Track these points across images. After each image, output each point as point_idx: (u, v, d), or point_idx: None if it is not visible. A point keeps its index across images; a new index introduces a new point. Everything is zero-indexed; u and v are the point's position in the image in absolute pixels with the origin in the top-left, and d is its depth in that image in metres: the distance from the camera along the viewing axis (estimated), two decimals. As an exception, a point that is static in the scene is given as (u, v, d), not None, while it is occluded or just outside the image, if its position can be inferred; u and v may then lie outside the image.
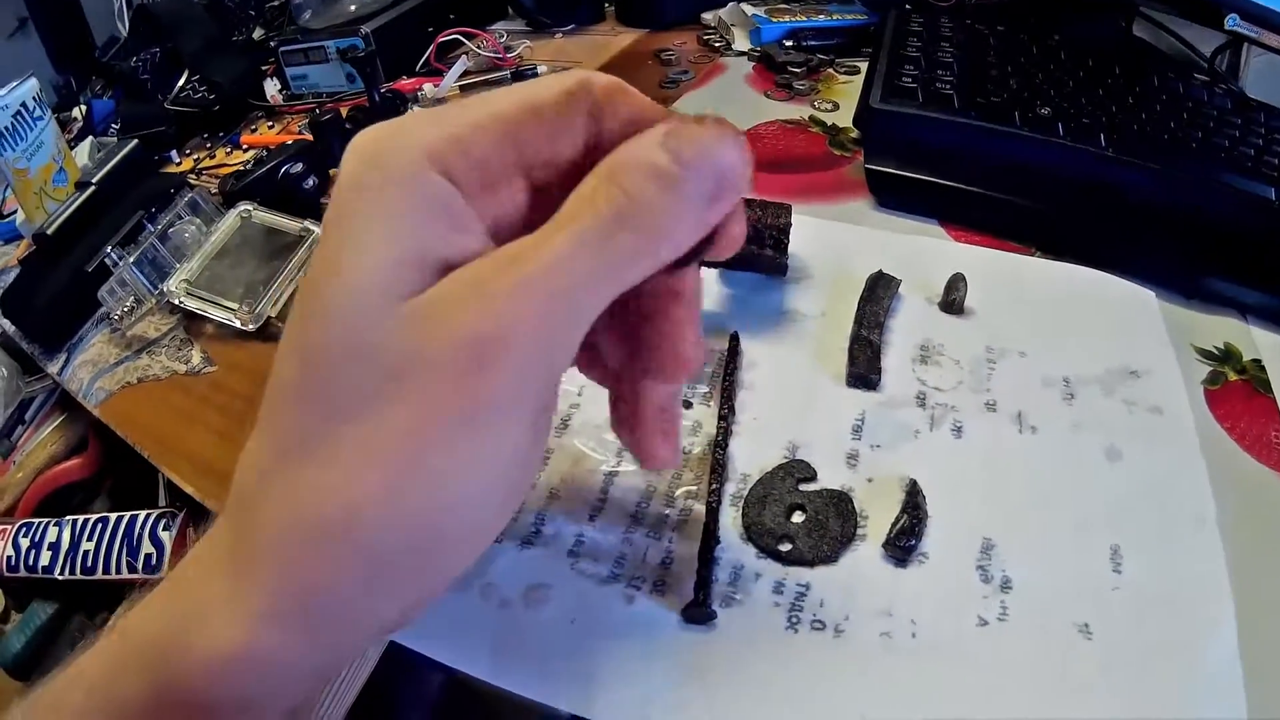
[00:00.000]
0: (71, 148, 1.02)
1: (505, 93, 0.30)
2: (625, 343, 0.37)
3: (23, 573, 0.75)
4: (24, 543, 0.75)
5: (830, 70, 0.95)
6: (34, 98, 0.84)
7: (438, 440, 0.26)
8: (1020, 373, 0.57)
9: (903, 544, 0.46)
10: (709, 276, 0.62)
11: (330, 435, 0.27)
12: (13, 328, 0.81)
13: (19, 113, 0.82)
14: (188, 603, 0.29)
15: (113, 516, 0.68)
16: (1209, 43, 0.95)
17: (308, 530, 0.27)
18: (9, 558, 0.75)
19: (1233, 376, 0.58)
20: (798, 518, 0.48)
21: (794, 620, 0.43)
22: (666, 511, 0.48)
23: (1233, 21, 0.86)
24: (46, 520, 0.76)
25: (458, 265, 0.28)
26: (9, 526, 0.77)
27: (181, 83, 1.01)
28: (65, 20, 1.38)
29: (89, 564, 0.67)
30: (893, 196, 0.73)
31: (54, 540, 0.74)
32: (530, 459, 0.31)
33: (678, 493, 0.49)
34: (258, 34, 1.12)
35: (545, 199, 0.31)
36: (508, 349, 0.26)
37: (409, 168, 0.28)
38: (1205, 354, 0.60)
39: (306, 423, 0.27)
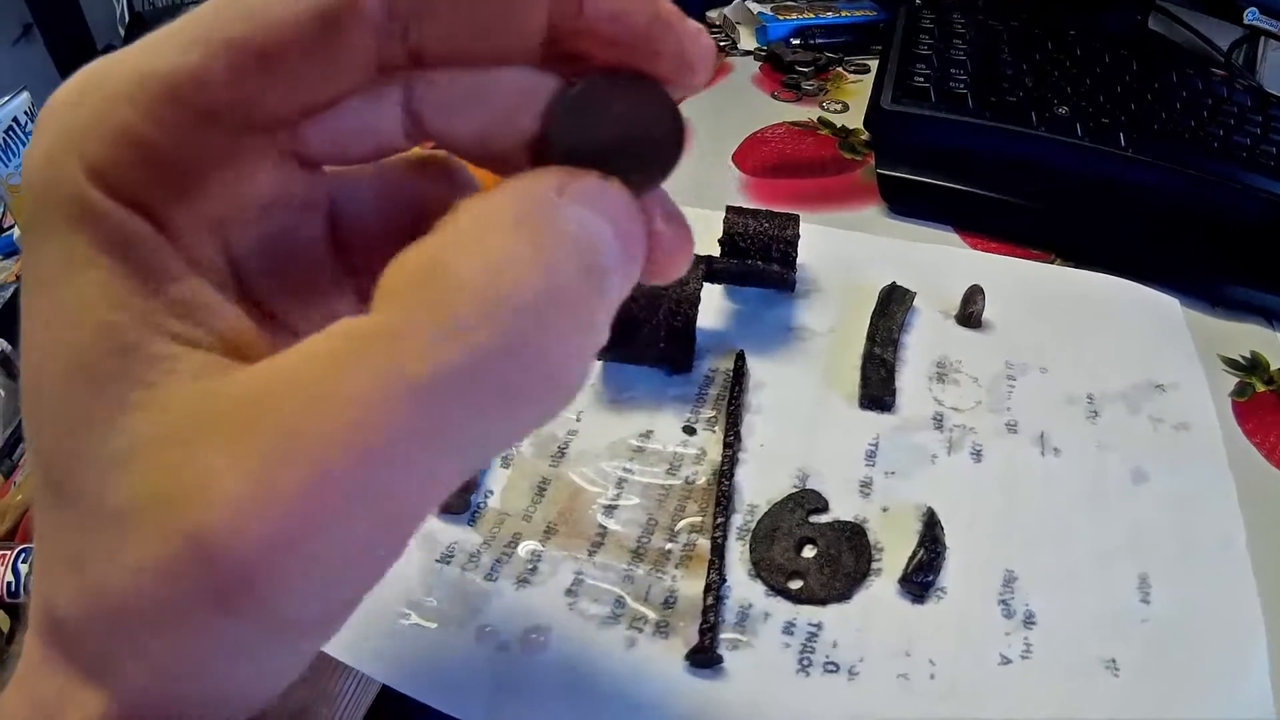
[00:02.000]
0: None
1: (191, 25, 0.19)
2: None
3: (23, 599, 0.73)
4: (24, 569, 0.74)
5: (839, 69, 0.93)
6: (25, 112, 0.83)
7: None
8: (1042, 390, 0.55)
9: (920, 579, 0.44)
10: (712, 293, 0.60)
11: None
12: (10, 347, 0.80)
13: (10, 128, 0.81)
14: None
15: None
16: (1225, 37, 0.93)
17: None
18: (9, 584, 0.74)
19: (1261, 387, 0.57)
20: (809, 552, 0.45)
21: (805, 663, 0.41)
22: (669, 546, 0.46)
23: (1252, 15, 0.85)
24: (44, 546, 0.75)
25: (161, 360, 0.19)
26: (9, 552, 0.76)
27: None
28: (68, 28, 1.38)
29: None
30: (906, 202, 0.71)
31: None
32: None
33: (680, 525, 0.47)
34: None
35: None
36: (238, 565, 0.17)
37: (66, 190, 0.19)
38: (1232, 364, 0.58)
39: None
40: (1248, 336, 0.60)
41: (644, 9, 0.22)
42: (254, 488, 0.17)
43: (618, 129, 0.22)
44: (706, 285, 0.54)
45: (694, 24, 0.22)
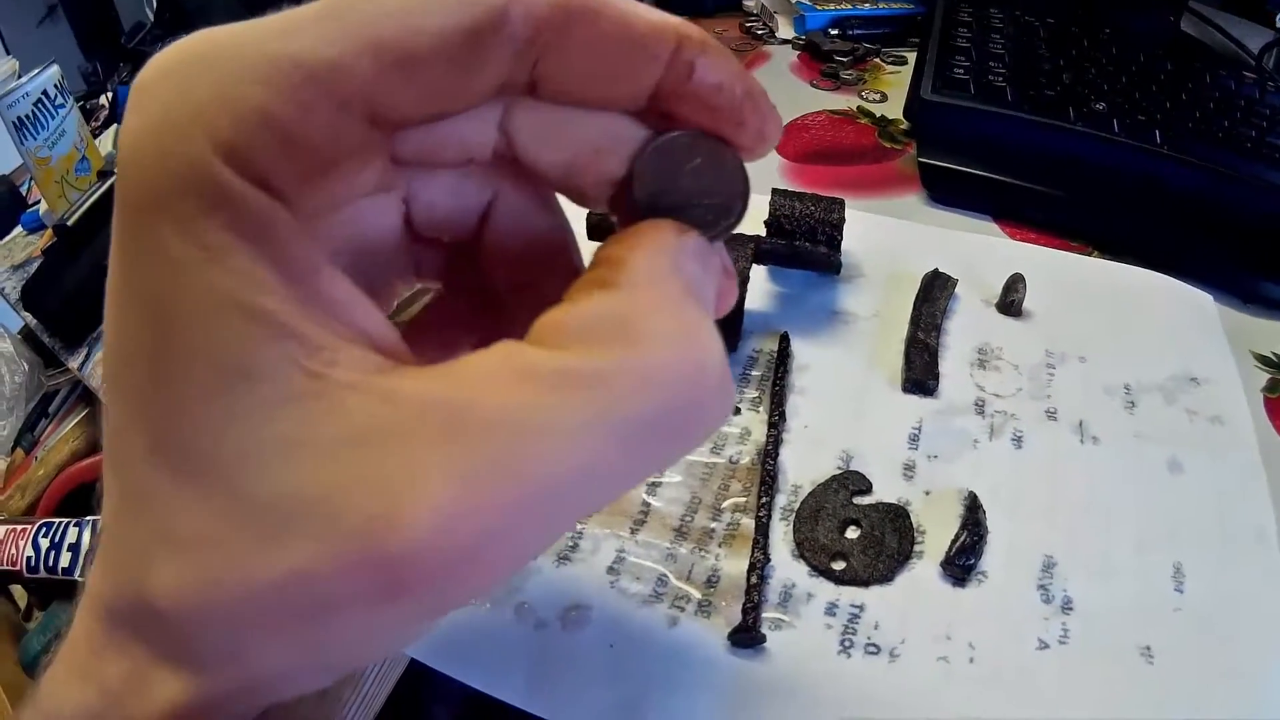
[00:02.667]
0: (98, 135, 1.01)
1: (347, 16, 0.19)
2: None
3: (43, 574, 0.74)
4: (44, 543, 0.74)
5: (877, 60, 0.93)
6: (55, 85, 0.82)
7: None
8: (1081, 379, 0.54)
9: (962, 562, 0.43)
10: (756, 275, 0.59)
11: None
12: (34, 321, 0.80)
13: (40, 101, 0.81)
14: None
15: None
16: (1256, 40, 0.92)
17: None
18: (29, 558, 0.74)
19: (1291, 385, 0.56)
20: (852, 533, 0.45)
21: (847, 644, 0.41)
22: (713, 525, 0.46)
23: None
24: (66, 520, 0.75)
25: (321, 351, 0.19)
26: (29, 526, 0.76)
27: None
28: (93, 6, 1.38)
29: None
30: (946, 191, 0.71)
31: (74, 541, 0.73)
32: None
33: (725, 504, 0.46)
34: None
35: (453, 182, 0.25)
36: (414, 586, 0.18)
37: (197, 172, 0.18)
38: (1264, 360, 0.58)
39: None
40: (1279, 333, 0.60)
41: (741, 85, 0.24)
42: (460, 499, 0.17)
43: (695, 183, 0.25)
44: (752, 267, 0.54)
45: (772, 104, 0.25)
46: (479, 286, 0.28)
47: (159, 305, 0.18)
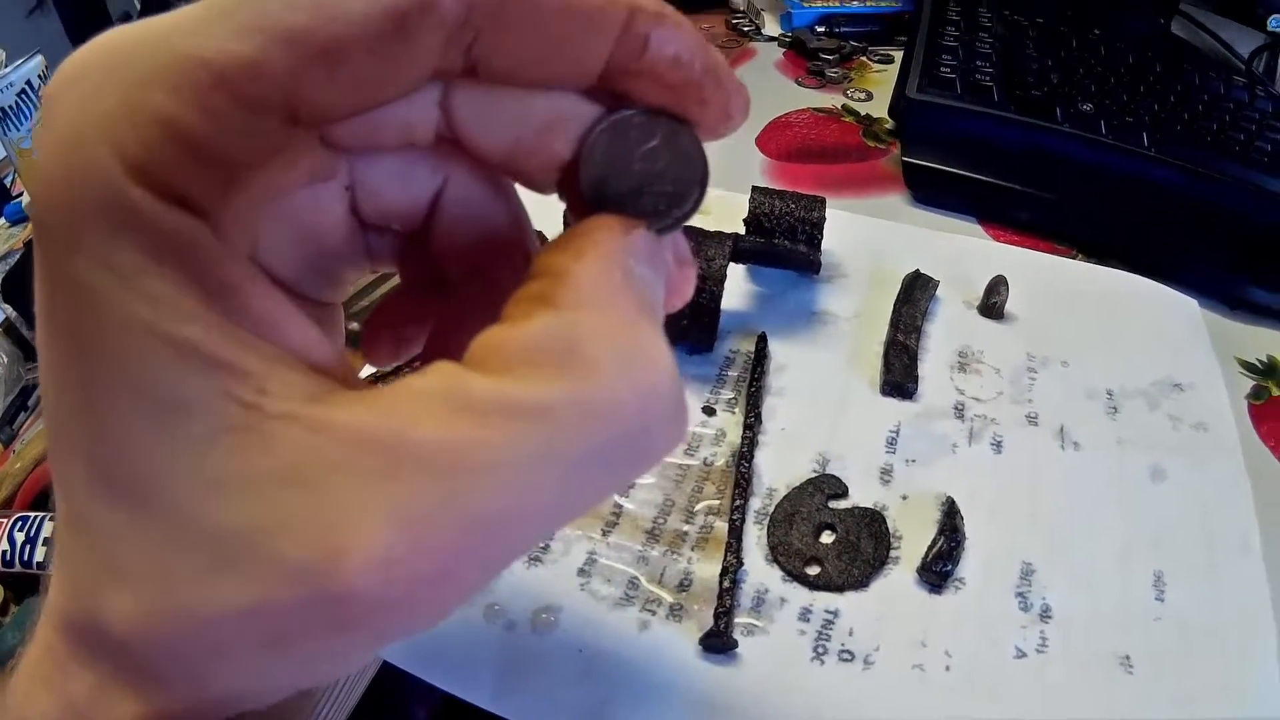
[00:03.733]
0: (81, 128, 1.00)
1: (259, 5, 0.18)
2: None
3: (18, 568, 0.73)
4: (19, 537, 0.74)
5: (863, 58, 0.93)
6: (39, 75, 0.82)
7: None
8: (1063, 383, 0.54)
9: (939, 568, 0.43)
10: (735, 275, 0.59)
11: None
12: (14, 313, 0.79)
13: (23, 91, 0.80)
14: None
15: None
16: (1246, 44, 0.92)
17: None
18: (4, 552, 0.74)
19: (1276, 391, 0.56)
20: (827, 538, 0.45)
21: (821, 650, 0.41)
22: (686, 528, 0.45)
23: (1275, 22, 0.86)
24: (42, 514, 0.74)
25: (249, 378, 0.18)
26: (5, 520, 0.75)
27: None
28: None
29: (83, 562, 0.65)
30: (930, 191, 0.70)
31: (50, 536, 0.72)
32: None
33: (698, 507, 0.46)
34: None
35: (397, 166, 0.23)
36: (364, 615, 0.17)
37: (105, 190, 0.17)
38: (1249, 367, 0.58)
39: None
40: (1264, 340, 0.60)
41: (701, 59, 0.22)
42: (405, 541, 0.17)
43: (649, 167, 0.23)
44: (730, 266, 0.53)
45: (738, 79, 0.23)
46: (434, 276, 0.27)
47: (80, 336, 0.17)
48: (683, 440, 0.21)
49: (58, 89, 0.18)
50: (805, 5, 0.97)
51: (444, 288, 0.27)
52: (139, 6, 1.13)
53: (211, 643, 0.18)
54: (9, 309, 0.80)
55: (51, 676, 0.19)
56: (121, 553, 0.18)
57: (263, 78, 0.17)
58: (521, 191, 0.26)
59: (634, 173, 0.23)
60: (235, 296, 0.18)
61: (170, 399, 0.17)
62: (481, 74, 0.21)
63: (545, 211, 0.24)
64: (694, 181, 0.24)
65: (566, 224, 0.24)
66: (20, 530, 0.74)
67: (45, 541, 0.71)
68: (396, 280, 0.29)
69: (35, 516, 0.74)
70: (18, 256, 0.84)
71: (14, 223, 0.94)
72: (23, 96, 0.81)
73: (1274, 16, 0.91)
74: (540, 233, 0.49)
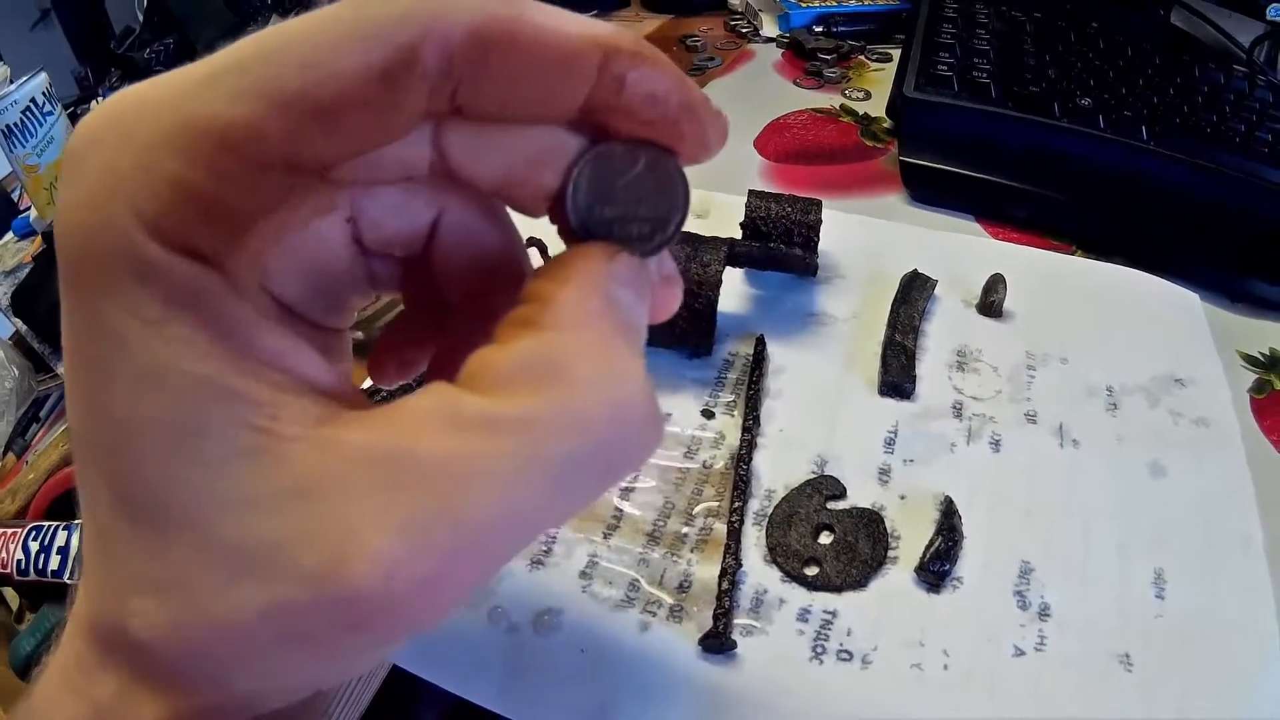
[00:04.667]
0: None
1: (262, 64, 0.19)
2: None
3: (33, 576, 0.74)
4: (34, 546, 0.74)
5: (861, 57, 0.93)
6: (44, 93, 0.83)
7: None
8: (1062, 381, 0.54)
9: (937, 568, 0.43)
10: (732, 278, 0.59)
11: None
12: (24, 326, 0.80)
13: (28, 108, 0.81)
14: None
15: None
16: (1247, 33, 0.92)
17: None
18: (19, 561, 0.75)
19: (1278, 385, 0.56)
20: (825, 539, 0.45)
21: (819, 650, 0.41)
22: (685, 530, 0.45)
23: (1275, 11, 0.86)
24: (56, 524, 0.75)
25: (263, 406, 0.19)
26: (19, 530, 0.76)
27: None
28: (85, 11, 1.38)
29: (97, 570, 0.66)
30: (928, 190, 0.70)
31: (63, 544, 0.73)
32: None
33: (697, 510, 0.46)
34: (274, 23, 1.11)
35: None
36: (373, 616, 0.19)
37: (123, 247, 0.19)
38: (1251, 360, 0.58)
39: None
40: (1267, 333, 0.60)
41: (678, 95, 0.24)
42: (405, 547, 0.18)
43: (631, 195, 0.24)
44: (727, 269, 0.53)
45: (715, 109, 0.25)
46: (435, 300, 0.28)
47: (106, 372, 0.19)
48: (657, 446, 0.22)
49: (77, 149, 0.20)
50: (802, 5, 0.98)
51: (445, 311, 0.28)
52: (141, 19, 1.14)
53: (232, 645, 0.19)
54: (19, 322, 0.81)
55: (77, 681, 0.21)
56: (146, 566, 0.19)
57: (263, 139, 0.19)
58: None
59: (618, 201, 0.24)
60: (245, 334, 0.20)
61: (192, 427, 0.19)
62: (468, 114, 0.22)
63: (547, 223, 0.25)
64: (674, 208, 0.25)
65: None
66: (35, 540, 0.75)
67: (60, 550, 0.72)
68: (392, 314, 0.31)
69: (49, 526, 0.75)
70: (27, 270, 0.85)
71: (22, 236, 0.95)
72: (27, 114, 0.81)
73: (1273, 5, 0.90)
74: (540, 240, 0.49)
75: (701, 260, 0.52)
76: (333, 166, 0.21)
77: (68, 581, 0.69)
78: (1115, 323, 0.58)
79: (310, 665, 0.20)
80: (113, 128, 0.19)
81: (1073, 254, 0.65)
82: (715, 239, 0.54)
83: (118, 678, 0.20)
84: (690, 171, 0.25)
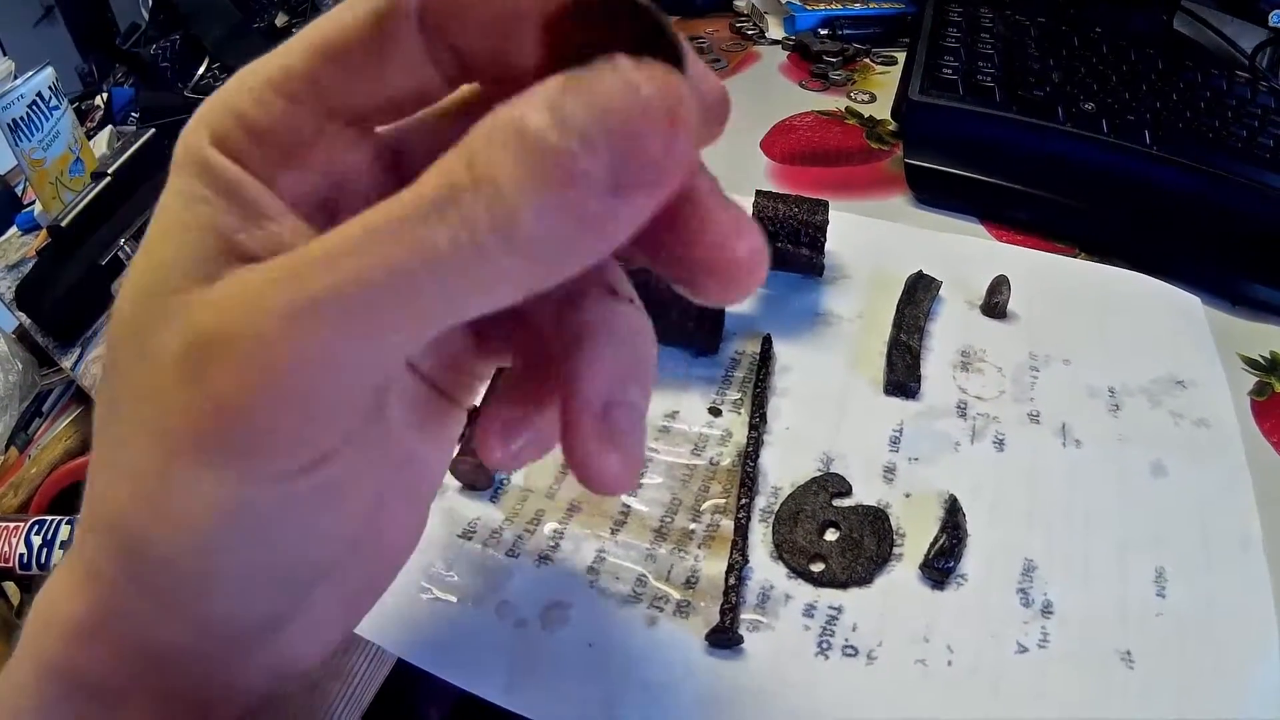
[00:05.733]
0: (93, 136, 1.01)
1: (301, 34, 0.24)
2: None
3: (35, 570, 0.74)
4: (36, 540, 0.75)
5: (867, 60, 0.93)
6: (50, 87, 0.83)
7: (176, 466, 0.22)
8: (1065, 382, 0.55)
9: (941, 565, 0.43)
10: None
11: (107, 432, 0.25)
12: (28, 320, 0.80)
13: (34, 102, 0.81)
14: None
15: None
16: (1249, 39, 0.92)
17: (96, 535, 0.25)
18: (21, 555, 0.75)
19: (1279, 387, 0.56)
20: (831, 535, 0.45)
21: (825, 645, 0.41)
22: (692, 526, 0.46)
23: (1277, 18, 0.85)
24: (58, 518, 0.75)
25: (262, 258, 0.22)
26: (22, 524, 0.76)
27: (202, 71, 1.00)
28: (90, 7, 1.38)
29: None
30: (932, 192, 0.71)
31: (66, 538, 0.73)
32: (357, 500, 0.26)
33: (704, 506, 0.47)
34: (280, 20, 1.11)
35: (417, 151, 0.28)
36: (228, 353, 0.21)
37: (193, 152, 0.24)
38: (1251, 363, 0.58)
39: (101, 412, 0.25)
40: (1267, 336, 0.60)
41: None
42: (247, 305, 0.21)
43: (615, 43, 0.20)
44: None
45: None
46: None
47: (159, 225, 0.24)
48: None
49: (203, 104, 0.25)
50: (808, 8, 0.98)
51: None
52: (147, 16, 1.14)
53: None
54: (23, 316, 0.81)
55: (77, 588, 0.25)
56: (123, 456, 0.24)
57: (294, 78, 0.24)
58: None
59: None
60: (265, 221, 0.24)
61: (189, 259, 0.23)
62: (467, 63, 0.25)
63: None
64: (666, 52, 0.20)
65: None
66: (37, 534, 0.75)
67: (62, 545, 0.72)
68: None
69: (52, 520, 0.75)
70: (31, 264, 0.85)
71: (26, 231, 0.95)
72: (33, 108, 0.81)
73: (1276, 11, 0.90)
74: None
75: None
76: (366, 117, 0.26)
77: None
78: (1117, 325, 0.59)
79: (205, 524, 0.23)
80: (225, 86, 0.25)
81: (1075, 257, 0.65)
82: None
83: (109, 584, 0.25)
84: None
